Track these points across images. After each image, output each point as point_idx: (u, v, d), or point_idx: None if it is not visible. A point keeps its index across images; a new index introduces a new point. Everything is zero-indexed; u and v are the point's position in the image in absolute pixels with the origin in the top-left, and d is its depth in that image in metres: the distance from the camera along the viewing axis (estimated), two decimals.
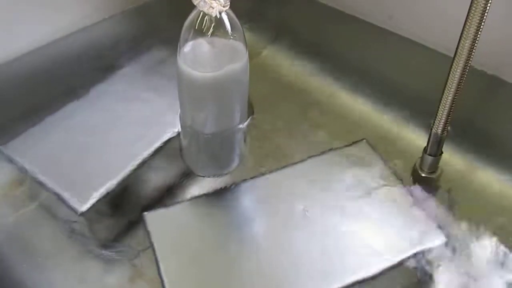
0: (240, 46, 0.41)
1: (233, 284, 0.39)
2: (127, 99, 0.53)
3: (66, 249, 0.43)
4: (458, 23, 0.38)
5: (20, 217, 0.45)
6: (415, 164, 0.47)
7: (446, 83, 0.41)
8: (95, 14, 0.62)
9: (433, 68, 0.53)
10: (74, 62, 0.58)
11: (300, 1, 0.68)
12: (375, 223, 0.42)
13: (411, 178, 0.47)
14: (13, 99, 0.54)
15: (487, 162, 0.49)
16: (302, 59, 0.61)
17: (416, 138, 0.50)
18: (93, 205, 0.43)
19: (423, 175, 0.47)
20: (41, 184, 0.44)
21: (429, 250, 0.41)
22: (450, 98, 0.41)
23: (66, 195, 0.43)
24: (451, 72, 0.40)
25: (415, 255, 0.40)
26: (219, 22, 0.39)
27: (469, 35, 0.38)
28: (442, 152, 0.46)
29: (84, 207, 0.42)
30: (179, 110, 0.47)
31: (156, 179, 0.48)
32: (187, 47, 0.41)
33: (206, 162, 0.48)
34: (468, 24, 0.37)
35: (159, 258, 0.40)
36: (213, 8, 0.38)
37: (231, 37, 0.40)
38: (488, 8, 0.36)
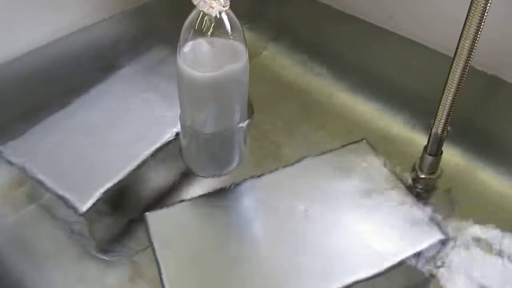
0: (240, 46, 0.41)
1: (233, 284, 0.39)
2: (127, 99, 0.52)
3: (66, 249, 0.43)
4: (458, 23, 0.38)
5: (20, 217, 0.45)
6: (415, 164, 0.47)
7: (446, 83, 0.41)
8: (95, 14, 0.61)
9: (433, 68, 0.53)
10: (74, 62, 0.58)
11: (300, 1, 0.68)
12: (375, 223, 0.43)
13: (411, 178, 0.47)
14: (13, 99, 0.53)
15: (487, 162, 0.49)
16: (302, 59, 0.61)
17: (416, 138, 0.51)
18: (93, 205, 0.43)
19: (423, 175, 0.46)
20: (41, 184, 0.44)
21: (429, 250, 0.41)
22: (450, 98, 0.41)
23: (66, 195, 0.43)
24: (451, 72, 0.40)
25: (415, 255, 0.40)
26: (219, 22, 0.39)
27: (469, 35, 0.38)
28: (442, 152, 0.46)
29: (84, 207, 0.42)
30: (179, 110, 0.47)
31: (156, 179, 0.48)
32: (187, 47, 0.41)
33: (206, 162, 0.48)
34: (468, 24, 0.37)
35: (159, 258, 0.40)
36: (213, 8, 0.38)
37: (231, 37, 0.40)
38: (488, 8, 0.36)
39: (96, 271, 0.42)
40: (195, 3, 0.38)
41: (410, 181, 0.47)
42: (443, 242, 0.41)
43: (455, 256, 0.41)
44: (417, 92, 0.55)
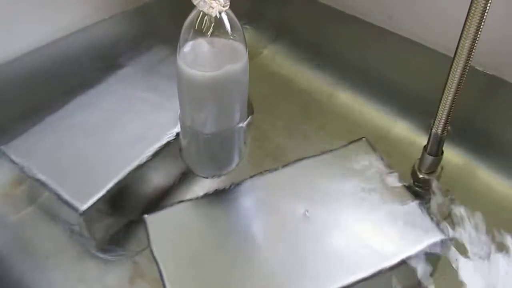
0: (240, 46, 0.41)
1: (233, 284, 0.39)
2: (127, 99, 0.52)
3: (66, 249, 0.43)
4: (458, 23, 0.38)
5: (20, 217, 0.45)
6: (415, 164, 0.47)
7: (446, 83, 0.41)
8: (95, 14, 0.61)
9: (433, 68, 0.53)
10: (74, 62, 0.58)
11: (300, 1, 0.68)
12: (375, 223, 0.42)
13: (411, 178, 0.47)
14: (13, 99, 0.54)
15: (487, 162, 0.49)
16: (302, 59, 0.61)
17: (416, 138, 0.51)
18: (93, 205, 0.43)
19: (423, 175, 0.46)
20: (41, 184, 0.44)
21: (429, 250, 0.41)
22: (450, 98, 0.41)
23: (66, 195, 0.43)
24: (451, 72, 0.40)
25: (415, 255, 0.40)
26: (219, 22, 0.39)
27: (469, 35, 0.38)
28: (442, 152, 0.46)
29: (84, 207, 0.42)
30: (179, 111, 0.47)
31: (156, 179, 0.48)
32: (187, 47, 0.41)
33: (206, 162, 0.48)
34: (468, 24, 0.37)
35: (158, 258, 0.40)
36: (213, 8, 0.38)
37: (231, 37, 0.40)
38: (488, 8, 0.36)
39: (96, 271, 0.42)
40: (195, 3, 0.38)
41: (410, 181, 0.47)
42: (443, 242, 0.41)
43: (455, 256, 0.41)
44: (417, 92, 0.55)
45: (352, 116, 0.54)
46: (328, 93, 0.57)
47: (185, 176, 0.48)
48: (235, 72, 0.42)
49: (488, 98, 0.54)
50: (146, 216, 0.43)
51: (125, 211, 0.46)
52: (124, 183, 0.45)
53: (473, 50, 0.38)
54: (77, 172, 0.45)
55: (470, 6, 0.37)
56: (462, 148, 0.49)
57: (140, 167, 0.46)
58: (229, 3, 0.38)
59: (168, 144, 0.47)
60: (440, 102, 0.42)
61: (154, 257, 0.40)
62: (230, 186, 0.45)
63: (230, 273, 0.40)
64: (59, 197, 0.43)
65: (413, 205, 0.44)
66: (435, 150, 0.45)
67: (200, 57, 0.41)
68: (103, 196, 0.43)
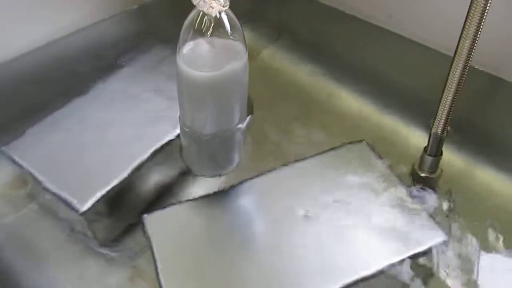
0: (239, 46, 0.41)
1: (232, 284, 0.39)
2: (127, 99, 0.52)
3: (66, 249, 0.43)
4: (458, 23, 0.38)
5: (20, 217, 0.45)
6: (414, 164, 0.47)
7: (446, 83, 0.41)
8: (95, 14, 0.62)
9: (433, 68, 0.53)
10: (74, 62, 0.58)
11: (300, 1, 0.68)
12: (375, 223, 0.42)
13: (411, 178, 0.47)
14: (13, 99, 0.54)
15: (487, 162, 0.49)
16: (302, 59, 0.61)
17: (416, 138, 0.50)
18: (93, 205, 0.43)
19: (423, 175, 0.46)
20: (41, 184, 0.44)
21: (429, 250, 0.41)
22: (450, 98, 0.41)
23: (66, 195, 0.43)
24: (451, 72, 0.40)
25: (415, 255, 0.40)
26: (218, 22, 0.39)
27: (469, 35, 0.38)
28: (442, 152, 0.46)
29: (84, 207, 0.42)
30: (179, 111, 0.47)
31: (156, 179, 0.48)
32: (187, 47, 0.41)
33: (206, 163, 0.48)
34: (468, 24, 0.37)
35: (157, 259, 0.40)
36: (212, 8, 0.38)
37: (231, 37, 0.40)
38: (488, 8, 0.36)
39: (96, 270, 0.42)
40: (194, 3, 0.38)
41: (410, 181, 0.47)
42: (443, 242, 0.41)
43: (455, 256, 0.41)
44: (417, 92, 0.55)
45: (352, 116, 0.54)
46: (328, 93, 0.57)
47: (185, 176, 0.48)
48: (235, 72, 0.42)
49: (488, 98, 0.54)
50: (144, 215, 0.43)
51: (125, 211, 0.46)
52: (124, 183, 0.45)
53: (473, 50, 0.38)
54: (77, 172, 0.45)
55: (470, 6, 0.37)
56: (462, 148, 0.49)
57: (140, 167, 0.46)
58: (228, 3, 0.38)
59: (168, 144, 0.48)
60: (440, 102, 0.42)
61: (153, 256, 0.40)
62: (230, 186, 0.45)
63: (229, 273, 0.40)
64: (59, 197, 0.43)
65: (413, 205, 0.44)
66: (435, 150, 0.45)
67: (200, 57, 0.41)
68: (103, 196, 0.43)
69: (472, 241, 0.42)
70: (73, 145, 0.48)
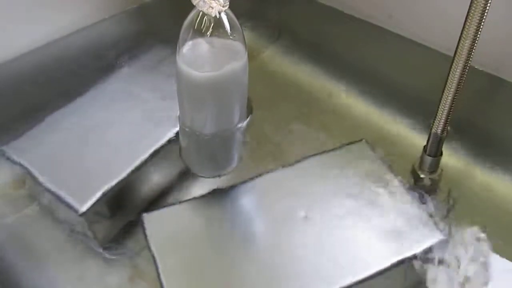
0: (239, 46, 0.41)
1: (232, 284, 0.39)
2: (127, 99, 0.52)
3: (66, 249, 0.43)
4: (458, 23, 0.38)
5: (20, 217, 0.45)
6: (414, 164, 0.47)
7: (446, 83, 0.41)
8: (95, 14, 0.61)
9: (433, 68, 0.53)
10: (74, 62, 0.58)
11: (300, 1, 0.68)
12: (374, 223, 0.42)
13: (411, 178, 0.47)
14: (13, 99, 0.54)
15: (487, 162, 0.49)
16: (302, 59, 0.61)
17: (416, 138, 0.51)
18: (93, 205, 0.43)
19: (422, 175, 0.46)
20: (41, 184, 0.44)
21: (429, 250, 0.41)
22: (450, 98, 0.41)
23: (66, 195, 0.43)
24: (451, 72, 0.40)
25: (415, 255, 0.40)
26: (218, 22, 0.39)
27: (469, 34, 0.38)
28: (442, 152, 0.46)
29: (84, 207, 0.42)
30: (178, 111, 0.47)
31: (156, 179, 0.48)
32: (186, 47, 0.41)
33: (206, 163, 0.48)
34: (468, 23, 0.37)
35: (157, 259, 0.40)
36: (212, 8, 0.38)
37: (231, 37, 0.40)
38: (488, 7, 0.36)
39: (96, 271, 0.42)
40: (194, 3, 0.38)
41: (410, 181, 0.47)
42: (443, 242, 0.41)
43: (455, 256, 0.41)
44: (417, 92, 0.55)
45: (352, 116, 0.54)
46: (328, 92, 0.57)
47: (185, 177, 0.48)
48: (235, 72, 0.42)
49: (488, 98, 0.54)
50: (144, 215, 0.43)
51: (125, 211, 0.46)
52: (123, 183, 0.45)
53: (473, 50, 0.38)
54: (77, 172, 0.45)
55: (470, 6, 0.37)
56: (462, 148, 0.49)
57: (139, 167, 0.46)
58: (228, 3, 0.38)
59: (167, 144, 0.47)
60: (440, 102, 0.42)
61: (152, 256, 0.40)
62: (230, 186, 0.45)
63: (229, 273, 0.40)
64: (59, 198, 0.43)
65: (413, 206, 0.44)
66: (434, 150, 0.45)
67: (200, 57, 0.41)
68: (103, 196, 0.43)
69: (471, 241, 0.42)
70: (73, 145, 0.48)
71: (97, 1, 0.62)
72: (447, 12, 0.53)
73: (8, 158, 0.46)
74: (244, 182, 0.46)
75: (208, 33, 0.39)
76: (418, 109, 0.53)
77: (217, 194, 0.45)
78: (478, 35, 0.37)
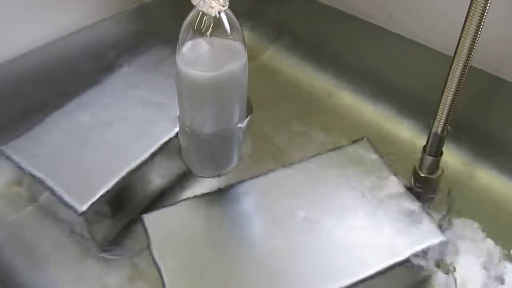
0: (239, 46, 0.41)
1: (232, 284, 0.39)
2: (126, 99, 0.52)
3: (66, 249, 0.43)
4: (458, 23, 0.38)
5: (20, 217, 0.45)
6: (415, 164, 0.47)
7: (446, 83, 0.41)
8: (95, 14, 0.62)
9: (433, 68, 0.53)
10: (74, 62, 0.58)
11: (300, 1, 0.68)
12: (374, 223, 0.42)
13: (411, 178, 0.47)
14: (13, 99, 0.54)
15: (487, 162, 0.49)
16: (302, 59, 0.61)
17: (416, 138, 0.50)
18: (93, 205, 0.43)
19: (423, 175, 0.46)
20: (41, 183, 0.44)
21: (429, 250, 0.41)
22: (450, 98, 0.41)
23: (66, 195, 0.43)
24: (451, 71, 0.40)
25: (414, 255, 0.40)
26: (218, 22, 0.39)
27: (469, 34, 0.38)
28: (442, 152, 0.46)
29: (84, 207, 0.42)
30: (178, 111, 0.47)
31: (156, 179, 0.48)
32: (186, 47, 0.41)
33: (205, 163, 0.48)
34: (468, 23, 0.37)
35: (157, 258, 0.40)
36: (212, 8, 0.38)
37: (230, 37, 0.40)
38: (487, 7, 0.36)
39: (96, 271, 0.42)
40: (194, 3, 0.38)
41: (410, 181, 0.47)
42: (443, 242, 0.41)
43: (455, 256, 0.41)
44: (417, 92, 0.55)
45: (352, 116, 0.54)
46: (328, 92, 0.57)
47: (185, 176, 0.48)
48: (234, 72, 0.42)
49: (488, 98, 0.54)
50: (144, 215, 0.43)
51: (125, 211, 0.46)
52: (123, 183, 0.45)
53: (473, 50, 0.38)
54: (77, 172, 0.45)
55: (470, 6, 0.37)
56: (462, 148, 0.49)
57: (139, 167, 0.46)
58: (228, 3, 0.38)
59: (167, 144, 0.47)
60: (440, 102, 0.42)
61: (153, 256, 0.40)
62: (230, 186, 0.45)
63: (229, 273, 0.40)
64: (58, 197, 0.43)
65: (413, 206, 0.43)
66: (435, 150, 0.45)
67: (199, 57, 0.41)
68: (103, 196, 0.43)
69: (471, 241, 0.42)
70: (73, 145, 0.48)
71: (97, 1, 0.62)
72: (447, 12, 0.53)
73: (8, 158, 0.46)
74: (244, 182, 0.45)
75: (208, 33, 0.39)
76: (418, 109, 0.53)
77: (217, 194, 0.45)
78: (478, 35, 0.37)
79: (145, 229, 0.42)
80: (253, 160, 0.49)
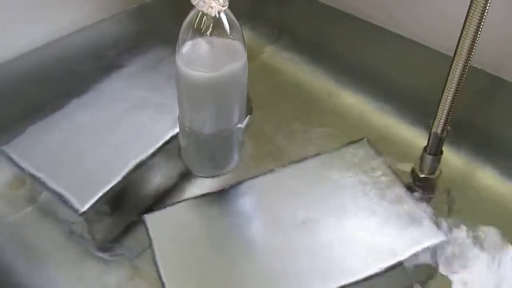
0: (239, 46, 0.41)
1: (232, 284, 0.39)
2: (127, 99, 0.53)
3: (66, 249, 0.43)
4: (458, 23, 0.38)
5: (20, 217, 0.45)
6: (414, 164, 0.47)
7: (446, 83, 0.41)
8: (95, 14, 0.62)
9: (433, 68, 0.53)
10: (74, 62, 0.58)
11: (300, 1, 0.68)
12: (374, 223, 0.42)
13: (411, 178, 0.47)
14: (13, 99, 0.54)
15: (487, 162, 0.49)
16: (302, 59, 0.61)
17: (416, 138, 0.50)
18: (93, 205, 0.43)
19: (423, 175, 0.46)
20: (41, 183, 0.44)
21: (429, 250, 0.41)
22: (450, 97, 0.41)
23: (66, 195, 0.43)
24: (451, 71, 0.40)
25: (414, 255, 0.40)
26: (218, 22, 0.39)
27: (469, 34, 0.37)
28: (442, 152, 0.46)
29: (84, 207, 0.42)
30: (178, 111, 0.47)
31: (156, 179, 0.48)
32: (186, 47, 0.41)
33: (205, 163, 0.48)
34: (468, 23, 0.37)
35: (158, 258, 0.40)
36: (212, 8, 0.38)
37: (230, 37, 0.40)
38: (487, 7, 0.36)
39: (96, 271, 0.42)
40: (194, 3, 0.38)
41: (410, 181, 0.47)
42: (443, 242, 0.41)
43: (455, 256, 0.41)
44: (417, 92, 0.55)
45: (352, 116, 0.54)
46: (328, 92, 0.57)
47: (184, 177, 0.48)
48: (234, 72, 0.42)
49: (488, 98, 0.54)
50: (145, 215, 0.43)
51: (125, 211, 0.46)
52: (123, 183, 0.45)
53: (473, 50, 0.38)
54: (77, 172, 0.45)
55: (470, 6, 0.37)
56: (462, 148, 0.49)
57: (139, 167, 0.46)
58: (228, 3, 0.38)
59: (167, 144, 0.48)
60: (440, 102, 0.42)
61: (154, 256, 0.40)
62: (229, 186, 0.45)
63: (229, 273, 0.40)
64: (59, 197, 0.43)
65: (413, 205, 0.44)
66: (434, 150, 0.45)
67: (199, 57, 0.41)
68: (103, 196, 0.43)
69: (471, 241, 0.42)
70: (73, 145, 0.48)
71: (97, 1, 0.62)
72: (447, 12, 0.53)
73: (8, 158, 0.46)
74: (243, 182, 0.45)
75: (207, 33, 0.39)
76: (418, 109, 0.53)
77: (217, 194, 0.45)
78: (478, 35, 0.37)
79: (147, 230, 0.42)
80: (253, 160, 0.48)
